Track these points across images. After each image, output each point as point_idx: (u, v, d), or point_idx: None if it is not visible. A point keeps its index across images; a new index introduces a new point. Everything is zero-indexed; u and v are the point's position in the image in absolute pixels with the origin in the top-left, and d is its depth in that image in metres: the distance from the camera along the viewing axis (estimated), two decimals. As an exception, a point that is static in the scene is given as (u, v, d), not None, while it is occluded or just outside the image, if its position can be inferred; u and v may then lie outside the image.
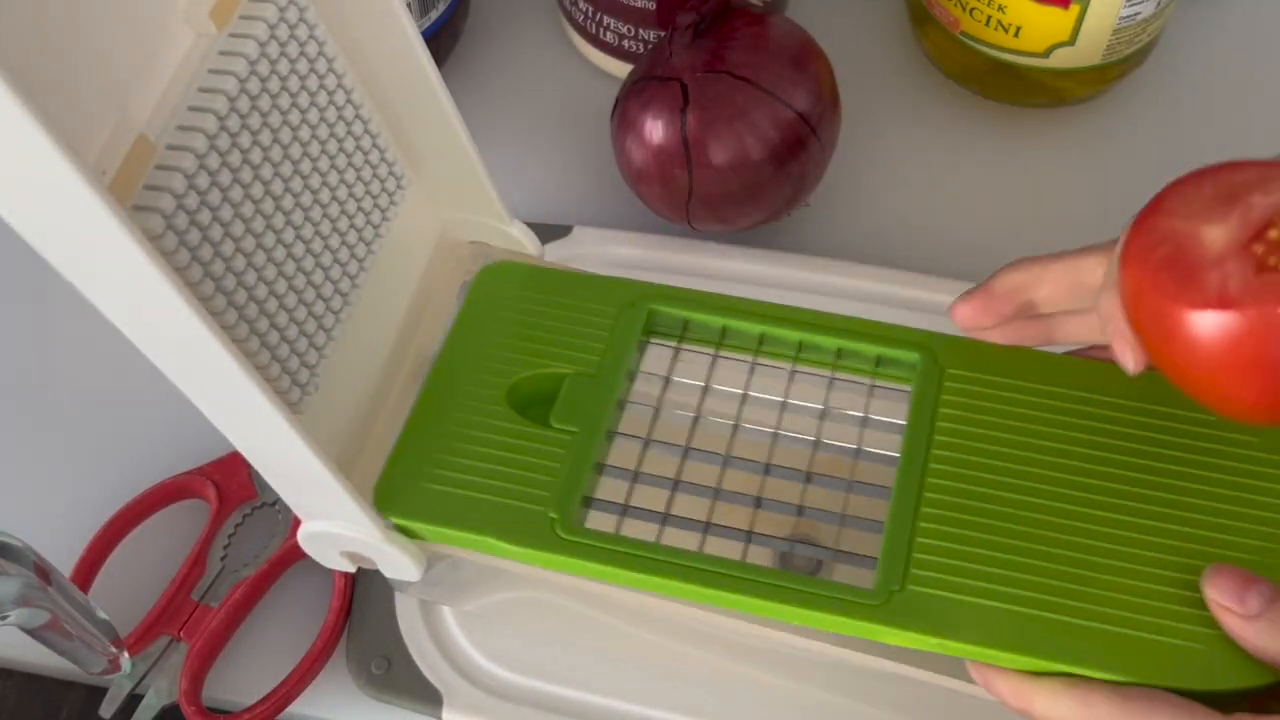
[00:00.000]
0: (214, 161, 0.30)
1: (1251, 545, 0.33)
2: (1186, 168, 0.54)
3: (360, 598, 0.42)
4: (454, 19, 0.54)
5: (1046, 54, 0.50)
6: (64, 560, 0.41)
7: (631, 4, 0.51)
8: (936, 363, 0.36)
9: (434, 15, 0.52)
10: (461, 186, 0.38)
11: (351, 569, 0.36)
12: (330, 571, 0.43)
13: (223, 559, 0.43)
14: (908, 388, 0.36)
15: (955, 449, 0.35)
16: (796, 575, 0.33)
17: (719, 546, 0.34)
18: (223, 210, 0.30)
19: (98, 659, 0.39)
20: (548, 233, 0.49)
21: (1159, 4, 0.49)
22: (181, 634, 0.42)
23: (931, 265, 0.50)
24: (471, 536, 0.34)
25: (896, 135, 0.54)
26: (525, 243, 0.40)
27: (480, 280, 0.39)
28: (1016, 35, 0.50)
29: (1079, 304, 0.35)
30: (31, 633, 0.36)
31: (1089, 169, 0.53)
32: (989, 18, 0.50)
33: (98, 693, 0.42)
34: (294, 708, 0.41)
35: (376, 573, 0.37)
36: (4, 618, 0.35)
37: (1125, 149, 0.54)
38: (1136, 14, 0.48)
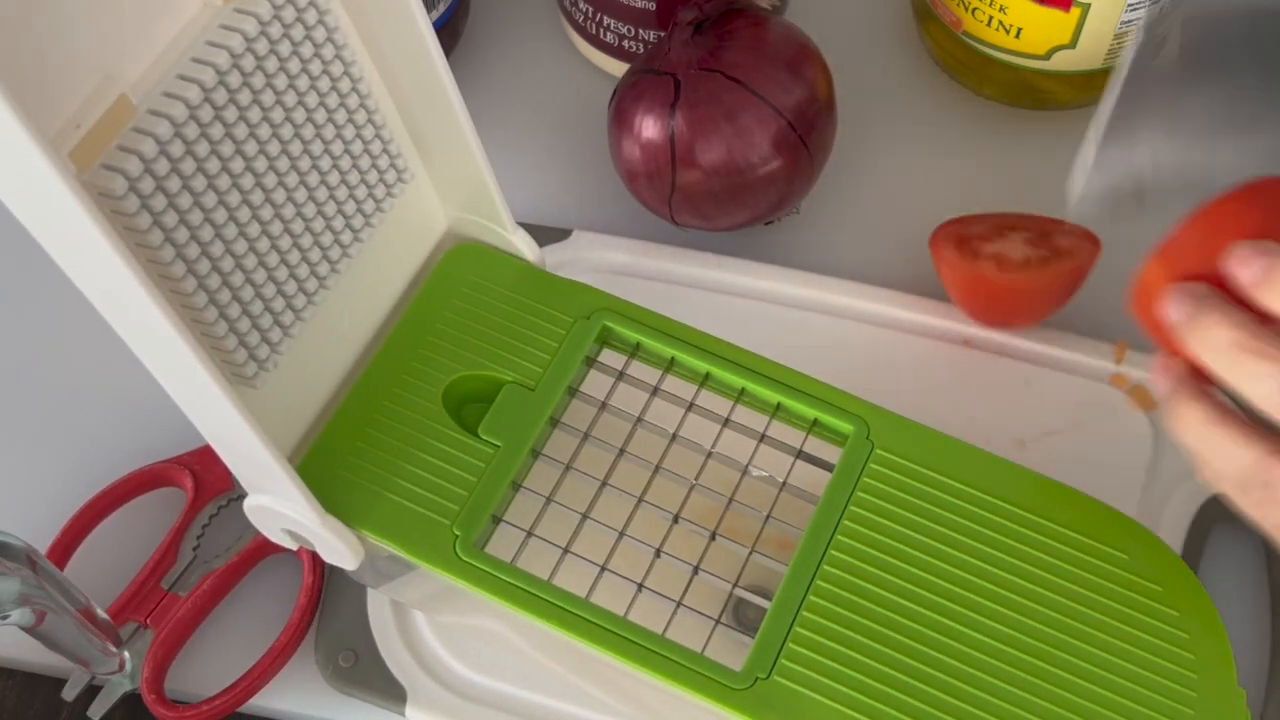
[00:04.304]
0: (192, 131, 0.30)
1: (1131, 705, 0.32)
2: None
3: (333, 589, 0.42)
4: (454, 19, 0.54)
5: (1047, 56, 0.50)
6: (38, 545, 0.41)
7: (632, 4, 0.51)
8: (868, 438, 0.35)
9: (433, 16, 0.52)
10: (468, 189, 0.38)
11: (294, 546, 0.35)
12: (301, 567, 0.42)
13: (195, 549, 0.43)
14: (836, 452, 0.36)
15: (862, 538, 0.34)
16: (671, 643, 0.33)
17: (610, 591, 0.34)
18: (195, 180, 0.30)
19: (101, 658, 0.40)
20: (546, 235, 0.49)
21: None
22: (148, 621, 0.42)
23: (923, 276, 0.49)
24: (373, 537, 0.34)
25: (897, 137, 0.54)
26: (526, 252, 0.39)
27: (447, 260, 0.39)
28: (1017, 37, 0.50)
29: None
30: (31, 632, 0.37)
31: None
32: (990, 18, 0.50)
33: (98, 692, 0.41)
34: (264, 700, 0.41)
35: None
36: (4, 617, 0.35)
37: None
38: (1138, 18, 0.48)
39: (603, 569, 0.34)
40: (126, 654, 0.41)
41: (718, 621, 0.34)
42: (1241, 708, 0.32)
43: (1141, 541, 0.34)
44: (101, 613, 0.40)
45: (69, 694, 0.41)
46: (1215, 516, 0.42)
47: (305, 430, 0.35)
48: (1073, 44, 0.49)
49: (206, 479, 0.44)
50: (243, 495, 0.44)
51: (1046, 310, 0.46)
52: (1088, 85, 0.51)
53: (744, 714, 0.32)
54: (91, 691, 0.41)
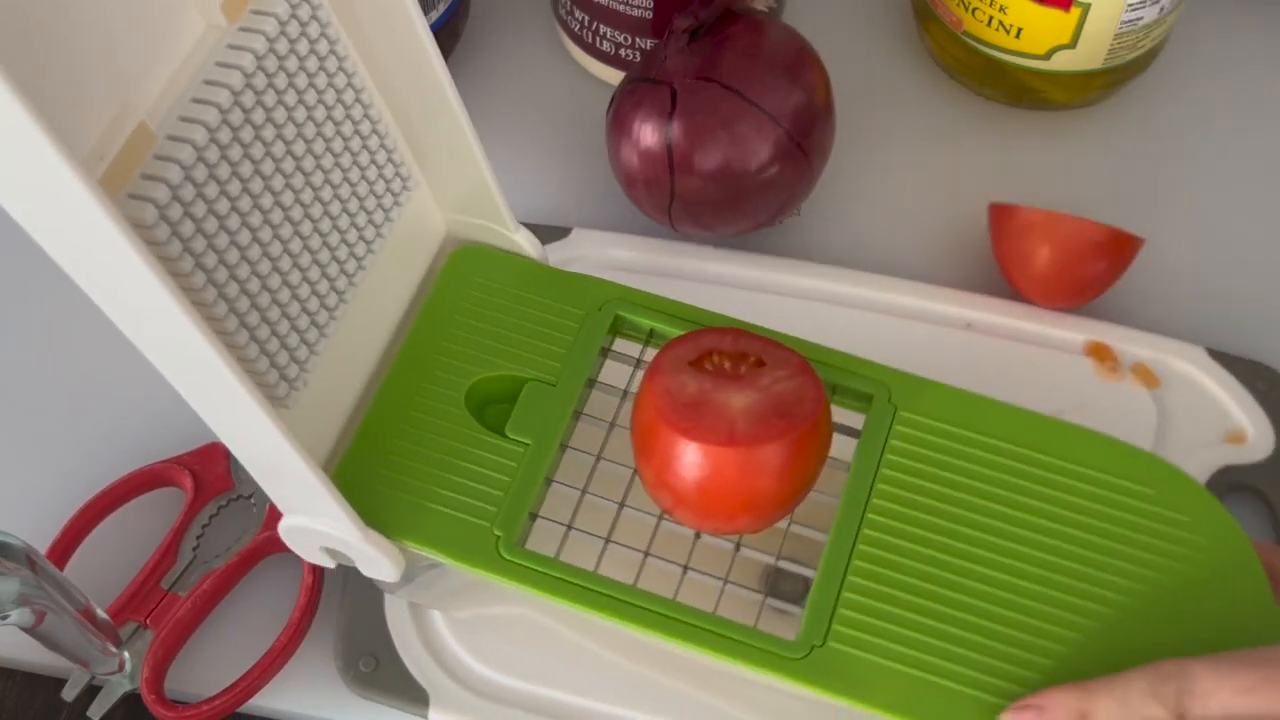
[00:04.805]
0: (213, 155, 0.30)
1: (1172, 636, 0.32)
2: (1186, 178, 0.53)
3: (350, 595, 0.42)
4: (453, 20, 0.54)
5: (1047, 56, 0.50)
6: (38, 545, 0.41)
7: (628, 13, 0.51)
8: (890, 401, 0.36)
9: (432, 17, 0.52)
10: (469, 191, 0.38)
11: (331, 564, 0.35)
12: (300, 567, 0.42)
13: (195, 549, 0.43)
14: (860, 418, 0.36)
15: (896, 500, 0.34)
16: (723, 620, 0.33)
17: (656, 575, 0.34)
18: (219, 204, 0.30)
19: (101, 658, 0.40)
20: (545, 234, 0.49)
21: (1161, 10, 0.48)
22: (148, 622, 0.42)
23: (924, 271, 0.49)
24: (416, 547, 0.34)
25: (897, 137, 0.54)
26: (530, 250, 0.39)
27: (452, 264, 0.39)
28: (1018, 36, 0.50)
29: None
30: (31, 632, 0.37)
31: (1091, 173, 0.53)
32: (990, 18, 0.50)
33: (98, 692, 0.41)
34: (264, 700, 0.41)
35: (367, 569, 0.36)
36: (4, 617, 0.35)
37: (1127, 155, 0.53)
38: (1139, 19, 0.48)
39: (646, 554, 0.35)
40: (126, 654, 0.41)
41: (766, 596, 0.34)
42: None
43: (1164, 475, 0.35)
44: (101, 613, 0.40)
45: (69, 694, 0.41)
46: (1222, 491, 0.43)
47: (332, 446, 0.35)
48: (1073, 44, 0.49)
49: (206, 479, 0.44)
50: (241, 495, 0.44)
51: (1104, 284, 0.47)
52: (1087, 85, 0.52)
53: (804, 683, 0.32)
54: (91, 691, 0.41)
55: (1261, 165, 0.53)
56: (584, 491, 0.35)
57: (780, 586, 0.37)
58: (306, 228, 0.33)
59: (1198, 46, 0.56)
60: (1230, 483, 0.44)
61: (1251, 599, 0.33)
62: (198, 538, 0.43)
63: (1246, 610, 0.33)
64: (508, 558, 0.34)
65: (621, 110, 0.47)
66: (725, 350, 0.34)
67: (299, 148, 0.32)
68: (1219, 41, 0.56)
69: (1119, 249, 0.46)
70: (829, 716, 0.35)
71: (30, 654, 0.41)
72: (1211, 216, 0.51)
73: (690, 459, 0.32)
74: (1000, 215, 0.47)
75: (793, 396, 0.33)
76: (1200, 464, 0.44)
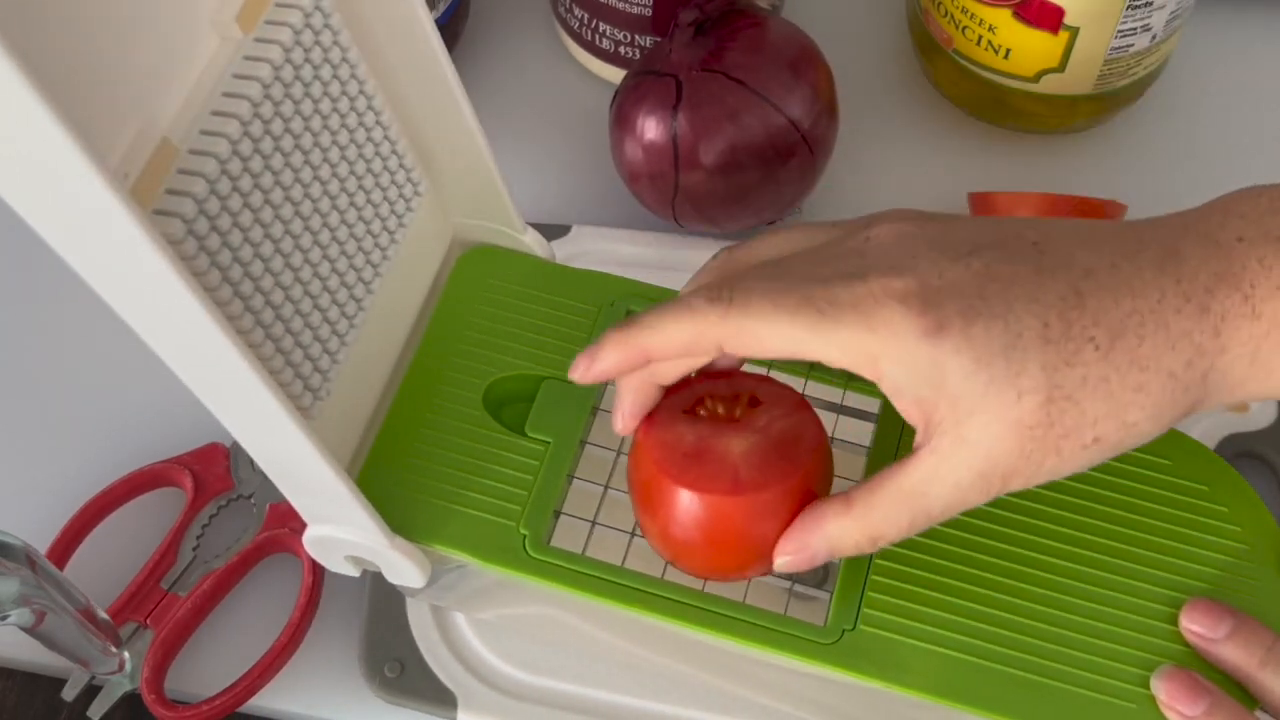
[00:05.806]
0: (236, 167, 0.30)
1: (1192, 591, 0.33)
2: (1169, 208, 0.53)
3: (372, 601, 0.42)
4: (454, 19, 0.54)
5: (1036, 79, 0.50)
6: (38, 545, 0.41)
7: (627, 10, 0.51)
8: None
9: (433, 16, 0.52)
10: (477, 193, 0.38)
11: (355, 572, 0.36)
12: (301, 567, 0.43)
13: (195, 549, 0.43)
14: (876, 403, 0.36)
15: None
16: (753, 609, 0.33)
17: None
18: (243, 216, 0.30)
19: (101, 658, 0.40)
20: (546, 232, 0.49)
21: (1154, 38, 0.48)
22: (148, 621, 0.42)
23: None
24: (443, 549, 0.34)
25: (894, 149, 0.54)
26: (538, 250, 0.39)
27: (461, 266, 0.39)
28: (1006, 57, 0.49)
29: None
30: (31, 632, 0.37)
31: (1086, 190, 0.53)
32: (980, 37, 0.49)
33: (98, 692, 0.41)
34: (263, 700, 0.41)
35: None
36: (4, 617, 0.35)
37: (1117, 183, 0.53)
38: (1129, 46, 0.48)
39: None
40: (126, 654, 0.41)
41: (793, 582, 0.34)
42: None
43: (1181, 446, 0.35)
44: (101, 613, 0.40)
45: (69, 694, 0.41)
46: (1227, 459, 0.43)
47: (353, 454, 0.36)
48: (1061, 68, 0.49)
49: (206, 479, 0.44)
50: (241, 495, 0.45)
51: None
52: (1080, 112, 0.51)
53: (838, 667, 0.32)
54: (91, 691, 0.41)
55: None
56: (606, 487, 0.36)
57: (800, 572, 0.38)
58: (325, 237, 0.33)
59: (1195, 75, 0.55)
60: (1235, 450, 0.44)
61: (1273, 562, 0.34)
62: (198, 538, 0.43)
63: (1268, 574, 0.34)
64: (535, 556, 0.34)
65: (625, 104, 0.47)
66: (719, 394, 0.34)
67: (316, 157, 0.32)
68: (1217, 69, 0.56)
69: (1096, 216, 0.46)
70: (858, 699, 0.36)
71: (30, 654, 0.41)
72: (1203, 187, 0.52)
73: (695, 511, 0.31)
74: (978, 201, 0.48)
75: (791, 435, 0.32)
76: (1205, 433, 0.44)
